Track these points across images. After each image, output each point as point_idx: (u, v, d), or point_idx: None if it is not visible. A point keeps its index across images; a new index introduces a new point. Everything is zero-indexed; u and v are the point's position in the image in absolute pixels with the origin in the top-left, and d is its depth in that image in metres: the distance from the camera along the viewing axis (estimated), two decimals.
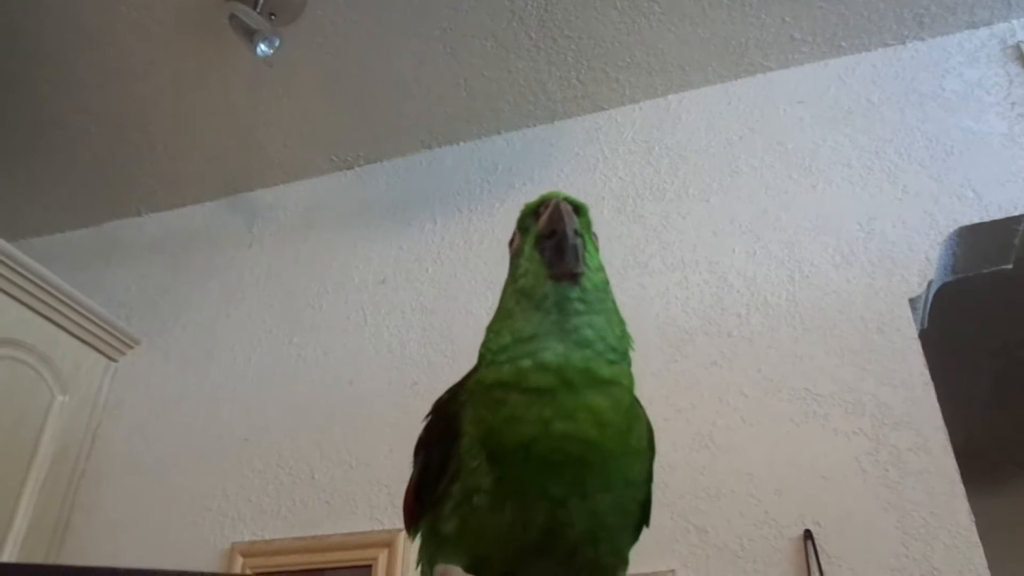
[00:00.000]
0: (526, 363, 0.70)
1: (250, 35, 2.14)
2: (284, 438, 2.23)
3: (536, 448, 0.69)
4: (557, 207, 0.74)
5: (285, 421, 2.27)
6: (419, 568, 0.81)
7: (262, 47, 2.14)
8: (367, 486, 2.07)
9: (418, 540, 0.79)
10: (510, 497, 0.69)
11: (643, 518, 0.81)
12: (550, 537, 0.71)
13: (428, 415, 0.82)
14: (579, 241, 0.74)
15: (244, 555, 2.07)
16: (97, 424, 2.42)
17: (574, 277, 0.73)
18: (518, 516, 0.69)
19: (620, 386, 0.72)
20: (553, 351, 0.70)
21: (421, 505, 0.79)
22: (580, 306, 0.72)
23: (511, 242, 0.81)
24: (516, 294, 0.76)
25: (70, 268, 2.67)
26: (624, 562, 0.78)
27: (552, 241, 0.74)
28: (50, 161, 2.71)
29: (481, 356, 0.77)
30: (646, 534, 1.87)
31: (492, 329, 0.78)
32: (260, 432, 2.27)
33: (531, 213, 0.79)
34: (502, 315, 0.78)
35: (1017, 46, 2.16)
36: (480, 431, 0.72)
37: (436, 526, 0.74)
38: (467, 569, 0.69)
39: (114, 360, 2.53)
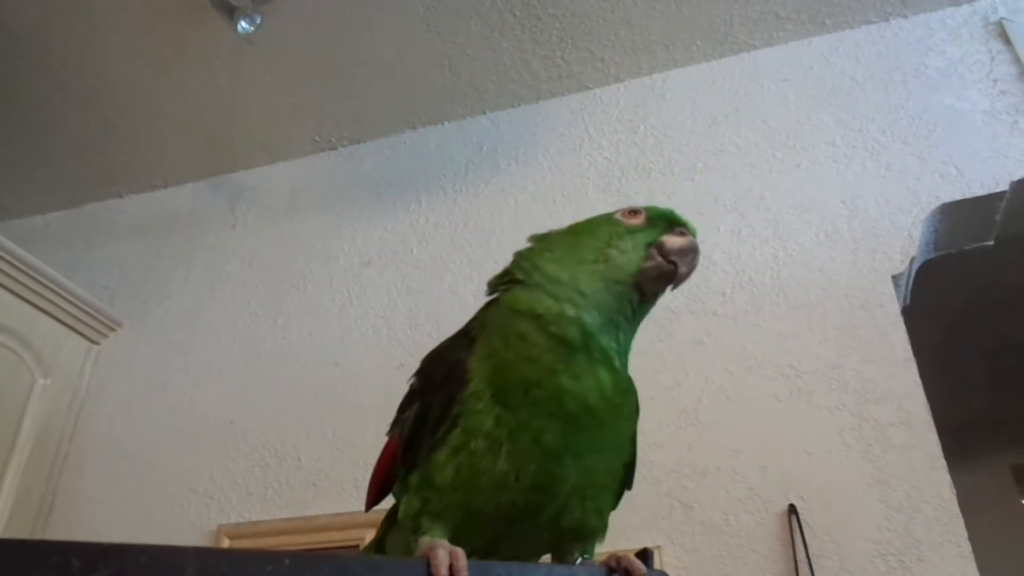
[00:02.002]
0: (569, 310, 0.75)
1: (230, 12, 2.12)
2: (270, 420, 2.23)
3: (535, 393, 0.72)
4: (696, 256, 0.82)
5: (271, 403, 2.26)
6: (396, 525, 0.80)
7: (242, 24, 2.11)
8: (353, 467, 2.07)
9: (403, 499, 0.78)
10: (507, 440, 0.72)
11: (625, 480, 0.83)
12: (542, 491, 0.73)
13: (422, 363, 0.84)
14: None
15: (230, 537, 2.07)
16: (80, 407, 2.40)
17: (653, 298, 0.81)
18: (512, 463, 0.72)
19: (622, 376, 0.78)
20: (594, 319, 0.75)
21: (410, 457, 0.79)
22: (632, 316, 0.80)
23: (634, 211, 0.84)
24: (600, 255, 0.80)
25: (51, 250, 2.65)
26: (604, 526, 0.81)
27: (669, 268, 0.80)
28: (28, 141, 2.68)
29: (524, 272, 0.80)
30: (633, 511, 1.89)
31: (552, 254, 0.82)
32: (245, 414, 2.26)
33: (669, 220, 0.83)
34: (573, 254, 0.81)
35: (999, 23, 2.17)
36: (489, 366, 0.74)
37: (430, 477, 0.74)
38: (453, 538, 0.69)
39: (96, 343, 2.51)
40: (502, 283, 0.83)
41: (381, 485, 0.87)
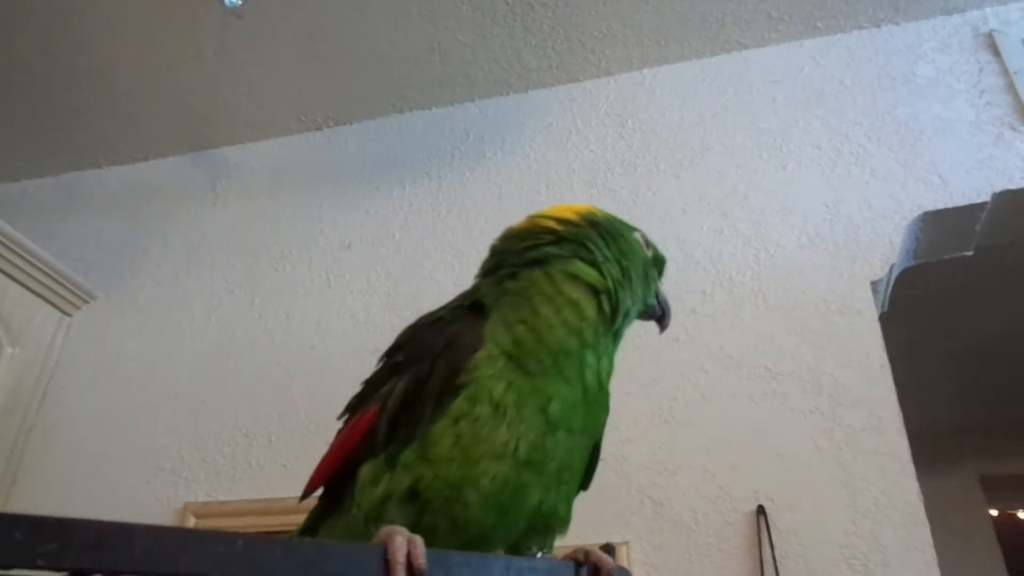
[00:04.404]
0: (623, 295, 0.84)
1: None
2: (242, 400, 2.21)
3: (563, 360, 0.76)
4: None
5: (243, 383, 2.24)
6: (333, 514, 0.79)
7: None
8: (324, 450, 2.05)
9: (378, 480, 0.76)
10: (513, 406, 0.73)
11: (587, 474, 0.84)
12: (533, 468, 0.73)
13: (407, 335, 0.83)
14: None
15: (197, 515, 2.05)
16: (49, 378, 2.36)
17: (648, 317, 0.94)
18: (514, 432, 0.72)
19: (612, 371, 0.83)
20: (630, 312, 0.87)
21: (397, 434, 0.76)
22: (624, 328, 0.87)
23: (647, 242, 0.93)
24: (643, 272, 0.89)
25: (25, 218, 2.60)
26: (569, 518, 0.80)
27: (659, 315, 0.93)
28: (5, 107, 2.62)
29: (586, 250, 0.84)
30: (603, 506, 1.88)
31: (611, 249, 0.86)
32: (218, 393, 2.24)
33: (662, 267, 0.95)
34: (627, 258, 0.87)
35: (989, 34, 2.18)
36: (519, 330, 0.76)
37: (426, 450, 0.73)
38: (413, 526, 0.67)
39: (68, 314, 2.47)
40: (544, 244, 0.84)
41: (337, 467, 0.84)
